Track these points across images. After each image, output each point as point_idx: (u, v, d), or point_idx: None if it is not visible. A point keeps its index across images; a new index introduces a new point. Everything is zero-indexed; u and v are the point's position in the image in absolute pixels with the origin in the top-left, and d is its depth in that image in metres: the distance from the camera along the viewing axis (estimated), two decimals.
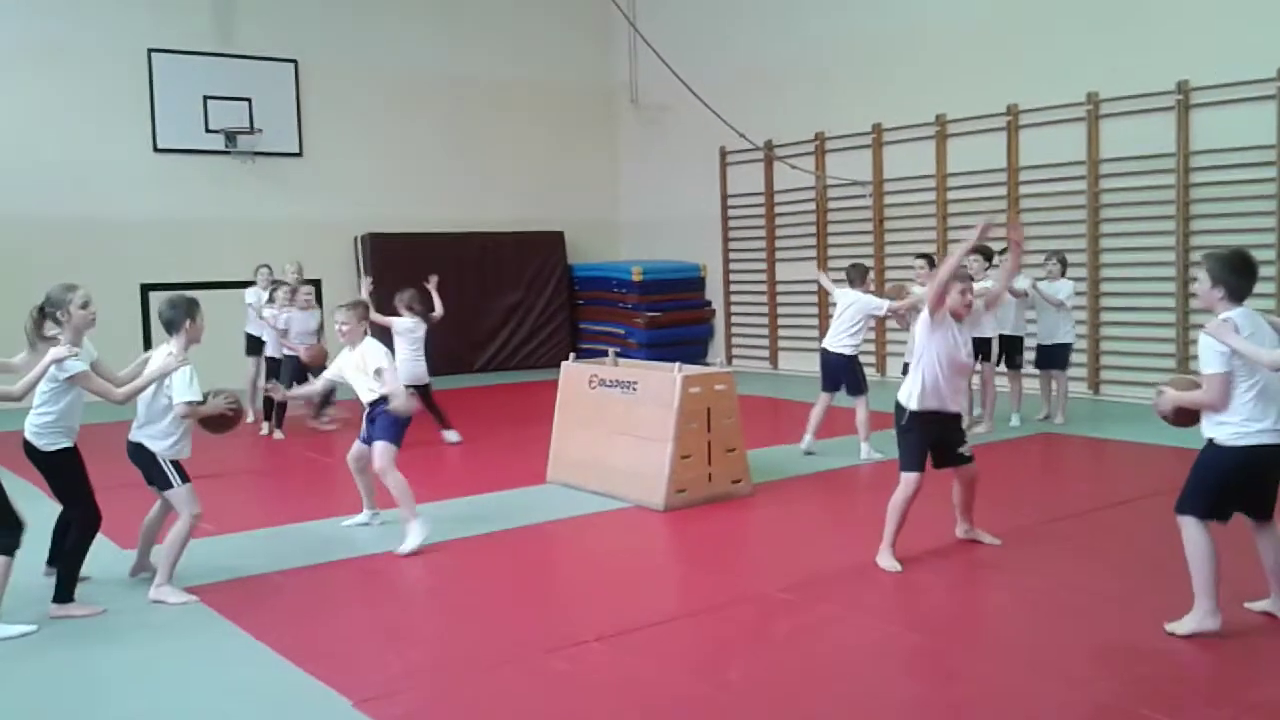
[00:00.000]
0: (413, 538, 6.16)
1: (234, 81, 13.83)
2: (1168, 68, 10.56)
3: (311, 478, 8.84)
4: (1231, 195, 10.24)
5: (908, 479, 5.62)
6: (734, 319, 15.66)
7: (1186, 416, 4.59)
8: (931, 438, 5.65)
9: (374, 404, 6.38)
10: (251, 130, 13.86)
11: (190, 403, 5.32)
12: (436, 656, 4.64)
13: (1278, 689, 4.06)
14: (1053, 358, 9.74)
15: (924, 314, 5.59)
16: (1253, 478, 4.39)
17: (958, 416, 5.76)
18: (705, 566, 6.09)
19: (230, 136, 13.76)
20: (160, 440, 5.39)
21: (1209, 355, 4.33)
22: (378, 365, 6.34)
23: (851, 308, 8.39)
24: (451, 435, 9.65)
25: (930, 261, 9.11)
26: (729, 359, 15.28)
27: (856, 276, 8.54)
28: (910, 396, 5.63)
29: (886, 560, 5.61)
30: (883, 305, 8.38)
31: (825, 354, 8.55)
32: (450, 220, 15.31)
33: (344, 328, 6.52)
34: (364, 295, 9.49)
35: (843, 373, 8.46)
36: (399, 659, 4.58)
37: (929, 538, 5.94)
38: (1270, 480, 4.43)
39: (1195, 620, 4.46)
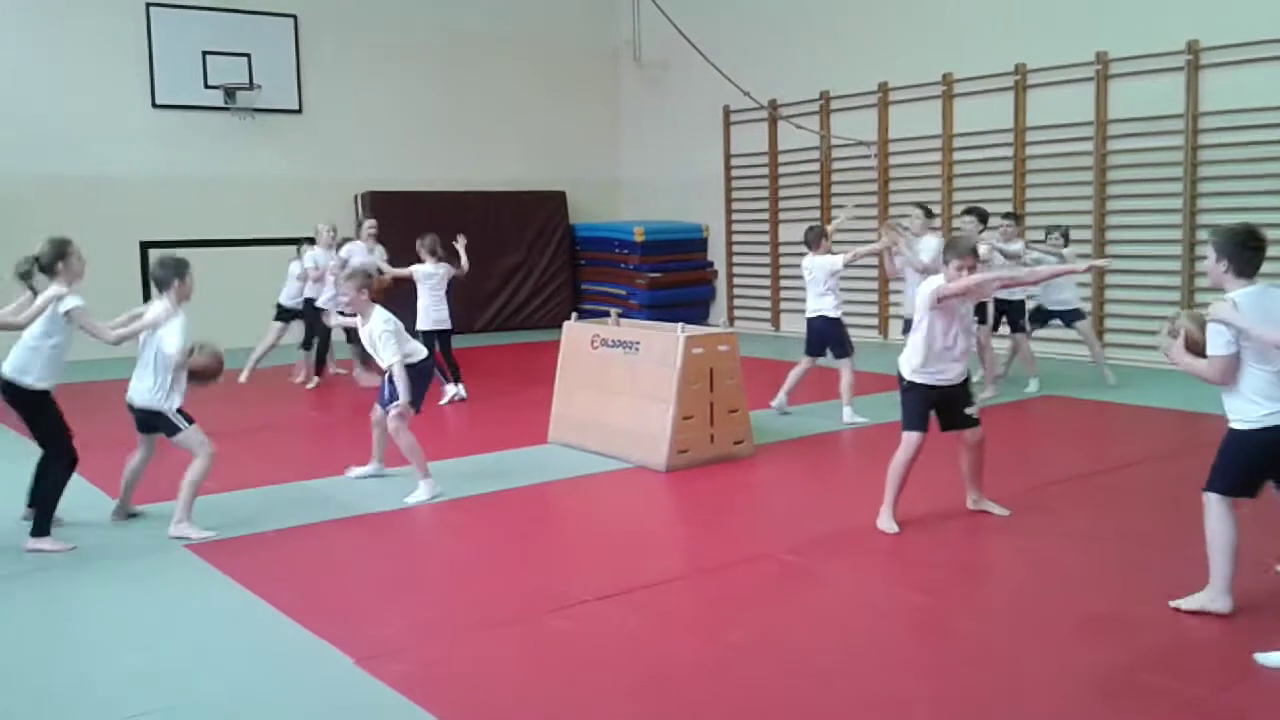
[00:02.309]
0: (421, 492, 6.27)
1: (233, 37, 13.67)
2: (1179, 27, 10.42)
3: (315, 435, 8.84)
4: (1242, 158, 10.13)
5: (908, 439, 5.60)
6: (736, 280, 15.58)
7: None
8: (934, 399, 5.61)
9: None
10: (251, 86, 13.70)
11: (181, 350, 5.54)
12: (437, 615, 4.63)
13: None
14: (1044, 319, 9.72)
15: (929, 289, 5.52)
16: (1271, 455, 4.26)
17: (965, 380, 5.71)
18: (707, 527, 6.08)
19: (230, 93, 13.61)
20: (156, 393, 5.63)
21: (1213, 336, 4.22)
22: (384, 349, 6.31)
23: (815, 272, 8.40)
24: (457, 390, 9.60)
25: (927, 211, 9.07)
26: (731, 320, 15.21)
27: (813, 240, 8.53)
28: (910, 364, 5.60)
29: (886, 522, 5.60)
30: (839, 261, 8.35)
31: (808, 320, 8.57)
32: (451, 179, 15.20)
33: (344, 298, 6.52)
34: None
35: (825, 337, 8.44)
36: (400, 617, 4.58)
37: (932, 500, 5.92)
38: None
39: (1204, 599, 4.39)
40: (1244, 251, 4.21)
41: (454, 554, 5.63)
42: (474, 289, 14.90)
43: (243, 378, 10.44)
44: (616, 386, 7.38)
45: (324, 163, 14.30)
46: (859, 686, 3.85)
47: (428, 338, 8.65)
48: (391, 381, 6.36)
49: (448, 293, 9.57)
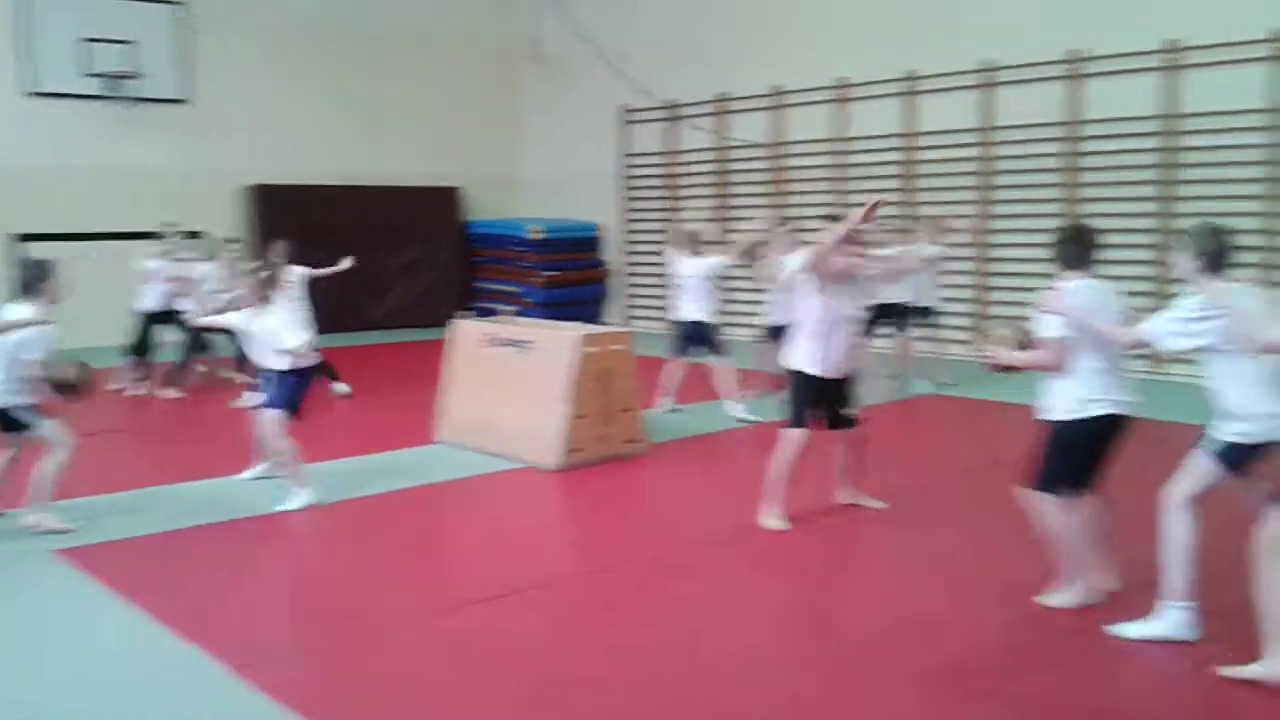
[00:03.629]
0: (296, 500, 6.07)
1: (116, 24, 13.16)
2: (1061, 36, 10.75)
3: (195, 437, 8.57)
4: (1120, 164, 10.50)
5: (790, 436, 5.66)
6: (632, 279, 15.60)
7: (1009, 370, 4.63)
8: (816, 397, 5.67)
9: (278, 371, 6.18)
10: (134, 75, 13.24)
11: (42, 363, 5.36)
12: (319, 620, 4.52)
13: (1113, 654, 4.18)
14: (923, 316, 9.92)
15: (804, 277, 5.56)
16: (1095, 445, 4.42)
17: (847, 379, 5.79)
18: (598, 526, 6.07)
19: (111, 81, 13.13)
20: (10, 396, 5.45)
21: (1044, 320, 4.35)
22: (288, 338, 6.11)
23: (692, 274, 8.47)
24: (341, 387, 9.45)
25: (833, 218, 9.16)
26: (626, 320, 15.24)
27: (685, 242, 8.66)
28: (797, 358, 5.66)
29: (771, 519, 5.64)
30: (723, 261, 8.46)
31: (680, 323, 8.61)
32: (343, 173, 14.89)
33: (241, 292, 6.32)
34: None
35: (699, 338, 8.53)
36: (279, 623, 4.47)
37: (818, 498, 5.99)
38: (1107, 447, 4.45)
39: (1070, 595, 4.50)
40: (1075, 248, 4.42)
41: (338, 558, 5.51)
42: (365, 285, 14.63)
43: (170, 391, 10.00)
44: (508, 385, 7.31)
45: (211, 155, 13.89)
46: (744, 683, 3.87)
47: None
48: (270, 383, 6.18)
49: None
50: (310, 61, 14.74)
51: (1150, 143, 10.31)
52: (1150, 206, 10.28)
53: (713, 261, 8.50)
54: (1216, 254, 4.01)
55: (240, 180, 14.19)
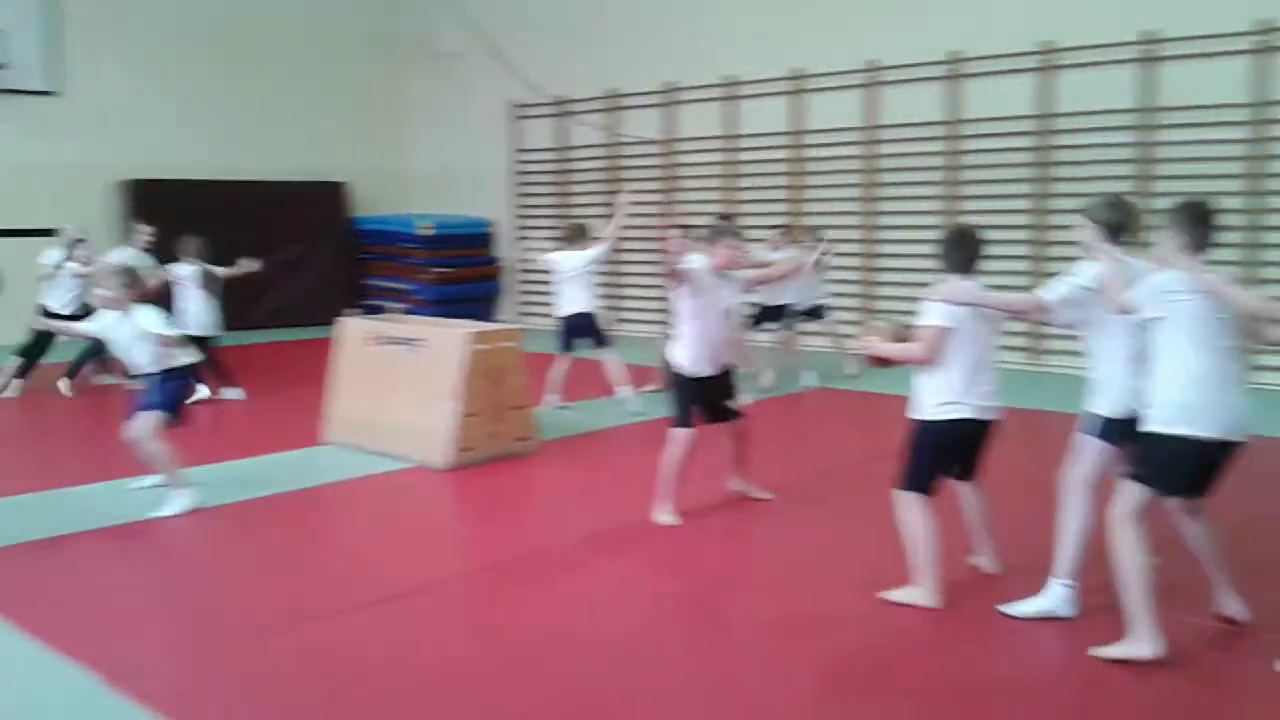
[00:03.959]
0: (173, 504, 5.85)
1: None
2: (942, 38, 11.02)
3: (73, 442, 8.23)
4: (997, 163, 10.81)
5: (677, 435, 5.69)
6: (525, 276, 15.49)
7: (885, 364, 4.77)
8: (700, 394, 5.72)
9: (155, 372, 5.95)
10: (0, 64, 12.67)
11: None
12: (198, 629, 4.38)
13: (990, 635, 4.31)
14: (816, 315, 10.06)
15: (691, 278, 5.60)
16: (962, 449, 4.58)
17: (727, 373, 5.85)
18: (489, 526, 6.01)
19: None
20: None
21: (930, 308, 4.44)
22: (154, 331, 5.88)
23: (575, 266, 8.52)
24: (233, 392, 9.29)
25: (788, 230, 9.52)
26: (518, 317, 15.14)
27: (575, 236, 8.74)
28: (679, 357, 5.70)
29: (664, 515, 5.66)
30: (603, 251, 8.55)
31: (565, 318, 8.64)
32: (226, 167, 14.43)
33: (108, 294, 6.04)
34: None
35: (585, 331, 8.56)
36: (156, 632, 4.32)
37: (711, 493, 6.02)
38: (974, 449, 4.62)
39: (916, 594, 4.48)
40: (958, 250, 4.53)
41: (219, 564, 5.34)
42: (249, 283, 14.18)
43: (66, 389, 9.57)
44: (397, 384, 7.18)
45: (82, 148, 13.33)
46: (635, 679, 3.86)
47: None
48: (147, 384, 5.96)
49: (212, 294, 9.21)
50: (190, 51, 14.25)
51: (1026, 141, 10.63)
52: (1026, 204, 10.59)
53: (592, 252, 8.50)
54: (1118, 225, 4.19)
55: (115, 175, 13.67)
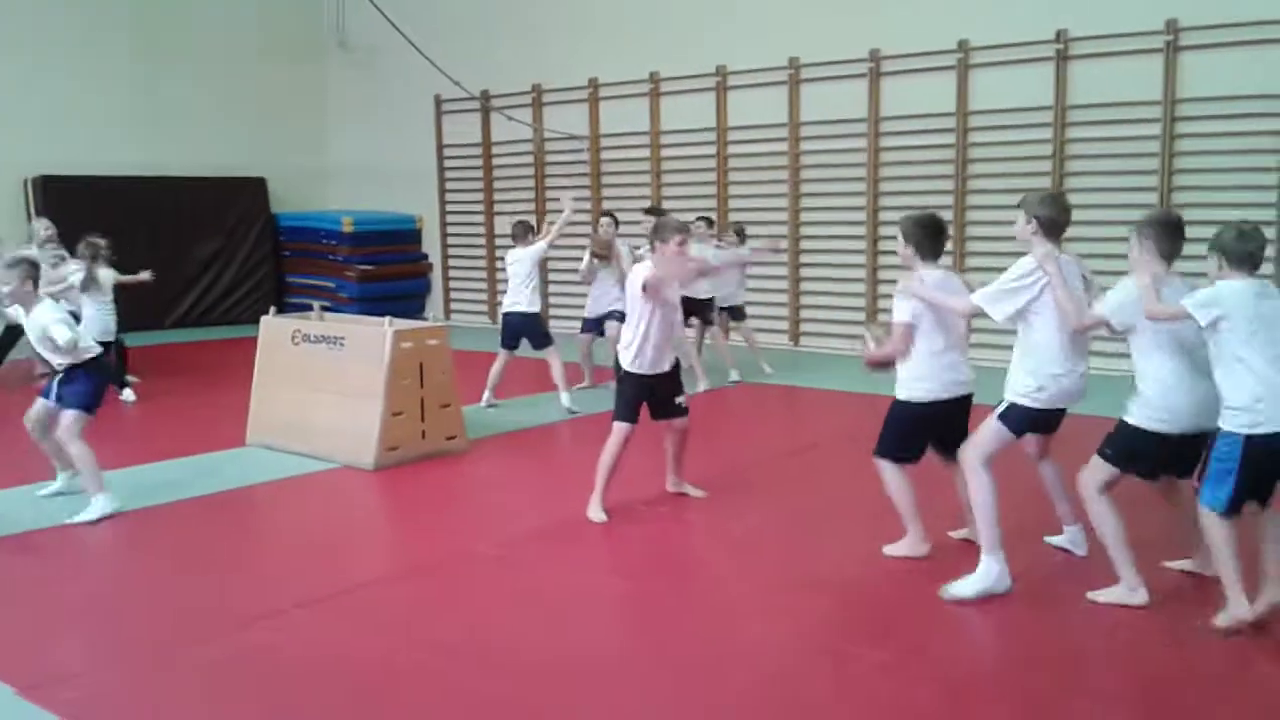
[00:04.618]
0: (93, 509, 5.69)
1: None
2: (863, 36, 11.16)
3: None
4: (915, 159, 10.98)
5: (619, 429, 5.70)
6: (452, 273, 15.38)
7: (882, 366, 4.96)
8: (647, 390, 5.74)
9: (71, 367, 5.78)
10: None
11: None
12: (118, 637, 4.27)
13: (966, 613, 4.40)
14: (738, 314, 10.13)
15: (639, 277, 5.62)
16: (933, 426, 4.83)
17: (674, 369, 5.87)
18: (417, 526, 5.95)
19: None
20: None
21: (898, 304, 4.74)
22: (57, 333, 5.67)
23: (518, 264, 8.50)
24: (127, 394, 9.01)
25: (709, 222, 9.51)
26: (447, 313, 15.02)
27: (520, 233, 8.72)
28: (629, 356, 5.70)
29: (595, 512, 5.66)
30: (542, 244, 8.53)
31: (507, 315, 8.61)
32: (139, 164, 14.04)
33: (5, 288, 5.84)
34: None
35: (523, 330, 8.53)
36: (74, 641, 4.20)
37: (640, 489, 6.03)
38: (951, 427, 4.82)
39: (907, 546, 4.93)
40: (927, 235, 4.74)
41: (139, 569, 5.21)
42: (166, 281, 13.89)
43: None
44: (321, 384, 7.08)
45: None
46: (567, 678, 3.85)
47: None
48: (65, 383, 5.80)
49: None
50: (105, 45, 13.86)
51: (947, 138, 10.80)
52: (948, 200, 10.77)
53: (535, 248, 8.47)
54: (1052, 220, 4.40)
55: (22, 171, 13.24)
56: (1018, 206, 4.53)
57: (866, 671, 3.87)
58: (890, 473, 4.89)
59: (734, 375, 9.73)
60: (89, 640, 4.22)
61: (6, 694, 3.68)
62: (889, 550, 4.97)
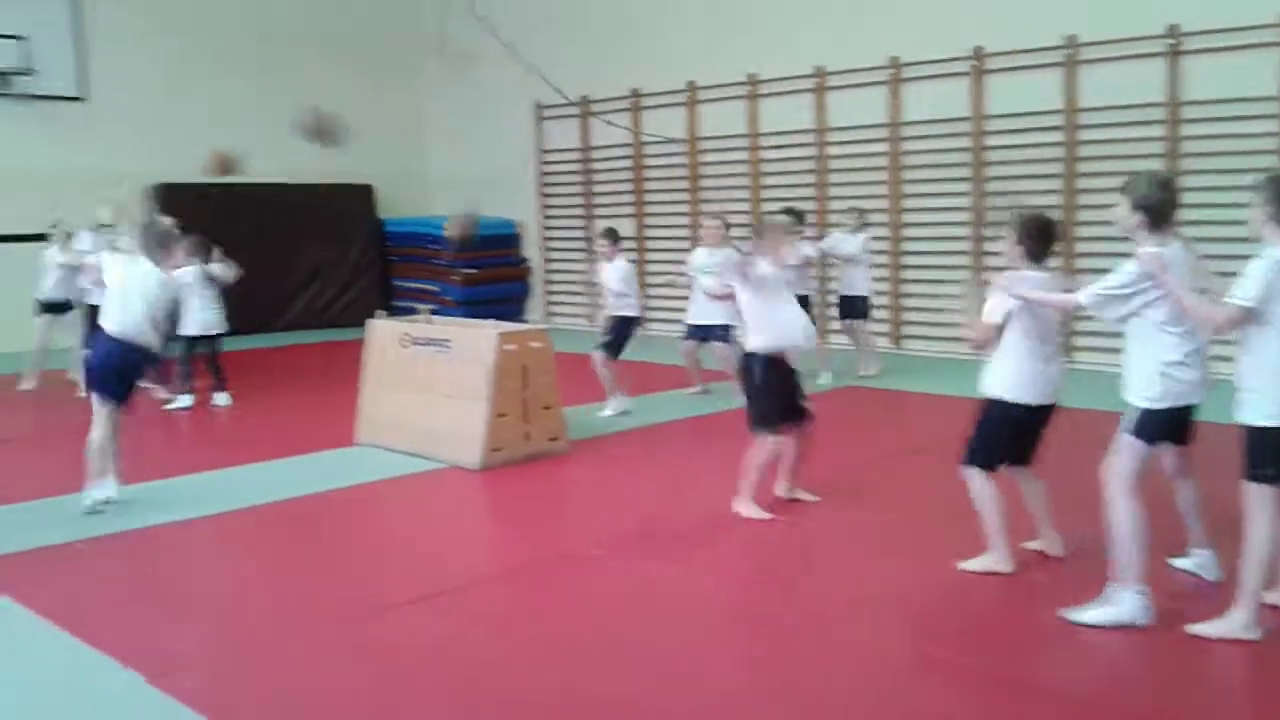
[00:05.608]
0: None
1: (7, 18, 12.71)
2: (966, 34, 10.98)
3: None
4: (1022, 159, 10.76)
5: (769, 442, 5.68)
6: (551, 276, 15.56)
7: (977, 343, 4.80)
8: (785, 393, 5.73)
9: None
10: (28, 71, 12.79)
11: None
12: (237, 627, 4.44)
13: (1060, 625, 4.31)
14: (851, 308, 10.06)
15: (757, 282, 5.66)
16: (1024, 431, 4.69)
17: (794, 371, 5.87)
18: (520, 526, 6.04)
19: (3, 77, 12.68)
20: None
21: (992, 303, 4.59)
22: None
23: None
24: (222, 398, 9.31)
25: (797, 216, 9.40)
26: (546, 316, 15.19)
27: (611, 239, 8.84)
28: (758, 357, 5.69)
29: (748, 508, 5.67)
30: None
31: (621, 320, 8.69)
32: (253, 171, 14.49)
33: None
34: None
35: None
36: (196, 630, 4.37)
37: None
38: (1034, 432, 4.71)
39: (988, 562, 4.73)
40: (1037, 239, 4.56)
41: (256, 563, 5.40)
42: (277, 286, 14.40)
43: (28, 385, 9.83)
44: (428, 385, 7.24)
45: (111, 153, 13.40)
46: (673, 680, 3.88)
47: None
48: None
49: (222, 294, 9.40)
50: (214, 56, 14.36)
51: (1055, 136, 10.57)
52: (1057, 200, 10.53)
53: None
54: (1159, 206, 4.11)
55: (141, 179, 13.77)
56: (1120, 191, 4.22)
57: (976, 684, 3.82)
58: (979, 483, 4.71)
59: (822, 378, 9.68)
60: (208, 632, 4.38)
61: (137, 680, 3.85)
62: (966, 566, 4.76)
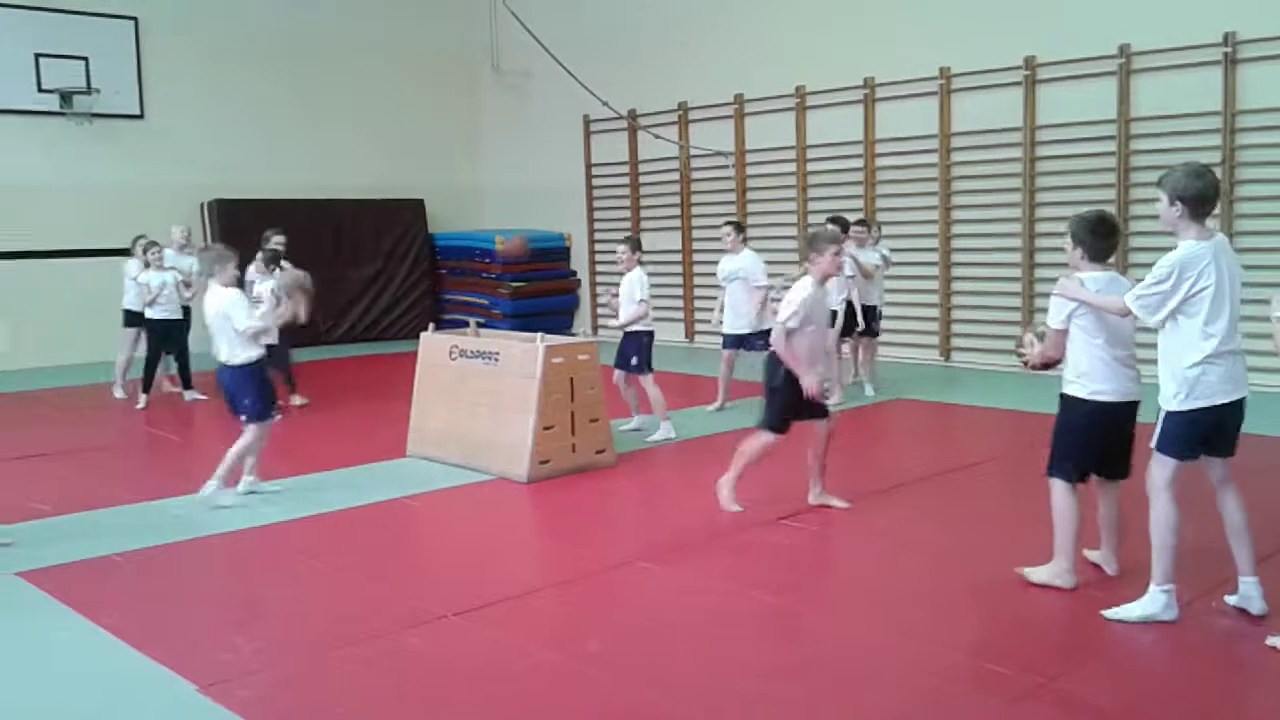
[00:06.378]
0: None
1: (69, 39, 13.05)
2: (1016, 45, 10.89)
3: (158, 455, 8.49)
4: (1073, 169, 10.65)
5: (766, 437, 5.81)
6: (600, 289, 15.61)
7: (1044, 367, 4.78)
8: (798, 395, 5.78)
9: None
10: (89, 91, 13.11)
11: None
12: (287, 637, 4.49)
13: (1109, 640, 4.24)
14: (866, 319, 9.73)
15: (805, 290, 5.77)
16: (1105, 432, 4.54)
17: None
18: (567, 537, 6.07)
19: (65, 97, 13.00)
20: None
21: (1054, 308, 4.52)
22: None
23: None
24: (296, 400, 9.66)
25: (738, 228, 9.20)
26: (594, 329, 15.25)
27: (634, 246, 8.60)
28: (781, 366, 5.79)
29: (727, 496, 5.86)
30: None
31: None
32: (304, 186, 14.79)
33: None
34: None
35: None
36: (248, 640, 4.42)
37: (781, 502, 6.03)
38: (1119, 438, 4.57)
39: (1050, 573, 4.65)
40: (1097, 238, 4.47)
41: (306, 573, 5.46)
42: (330, 299, 14.57)
43: (118, 393, 10.09)
44: (476, 397, 7.30)
45: (168, 169, 13.72)
46: (719, 691, 3.88)
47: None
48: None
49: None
50: (267, 73, 14.64)
51: (1106, 146, 10.45)
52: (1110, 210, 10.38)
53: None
54: (1198, 197, 4.08)
55: (200, 195, 14.07)
56: (1157, 185, 4.18)
57: (1019, 697, 3.78)
58: (1062, 494, 4.57)
59: (868, 390, 9.62)
60: (260, 639, 4.44)
61: (189, 690, 3.91)
62: (1028, 573, 4.70)
